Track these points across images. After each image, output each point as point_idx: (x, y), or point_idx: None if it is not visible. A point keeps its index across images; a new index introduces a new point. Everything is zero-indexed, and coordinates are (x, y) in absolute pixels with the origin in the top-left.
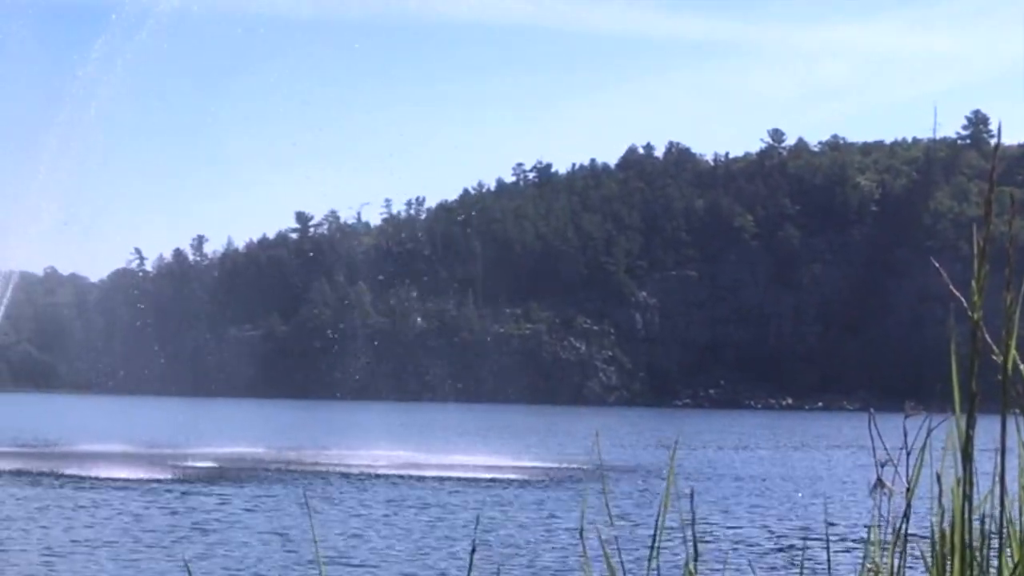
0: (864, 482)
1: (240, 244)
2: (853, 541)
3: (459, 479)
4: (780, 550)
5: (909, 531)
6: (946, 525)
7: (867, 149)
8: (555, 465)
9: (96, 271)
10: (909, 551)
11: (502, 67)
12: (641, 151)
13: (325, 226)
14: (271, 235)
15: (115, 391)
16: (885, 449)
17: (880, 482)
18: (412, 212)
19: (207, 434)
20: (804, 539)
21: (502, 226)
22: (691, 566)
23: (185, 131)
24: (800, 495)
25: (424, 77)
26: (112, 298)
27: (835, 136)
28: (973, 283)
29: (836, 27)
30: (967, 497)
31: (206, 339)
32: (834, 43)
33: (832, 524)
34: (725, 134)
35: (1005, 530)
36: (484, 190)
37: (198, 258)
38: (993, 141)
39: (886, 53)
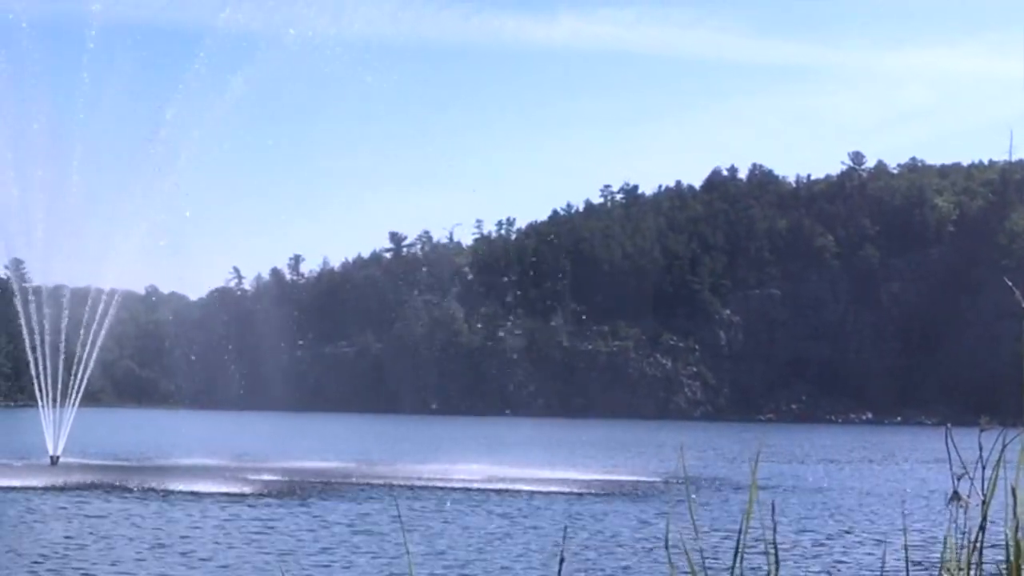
0: (941, 494)
1: (336, 263)
2: (930, 551)
3: (547, 492)
4: (859, 560)
5: (984, 541)
6: (1020, 536)
7: (945, 171)
8: (642, 478)
9: (196, 290)
10: (984, 561)
11: (591, 91)
12: (725, 173)
13: (418, 246)
14: (366, 254)
15: (213, 406)
16: (961, 462)
17: (956, 494)
18: (503, 232)
19: (302, 448)
20: (883, 547)
21: (590, 246)
22: (772, 575)
23: (282, 153)
24: (879, 506)
25: (516, 100)
26: (211, 316)
27: (913, 159)
28: None
29: (916, 52)
30: None
31: (302, 356)
32: (914, 68)
33: (910, 535)
34: (807, 156)
35: None
36: (573, 211)
37: (295, 277)
38: None
39: (963, 77)
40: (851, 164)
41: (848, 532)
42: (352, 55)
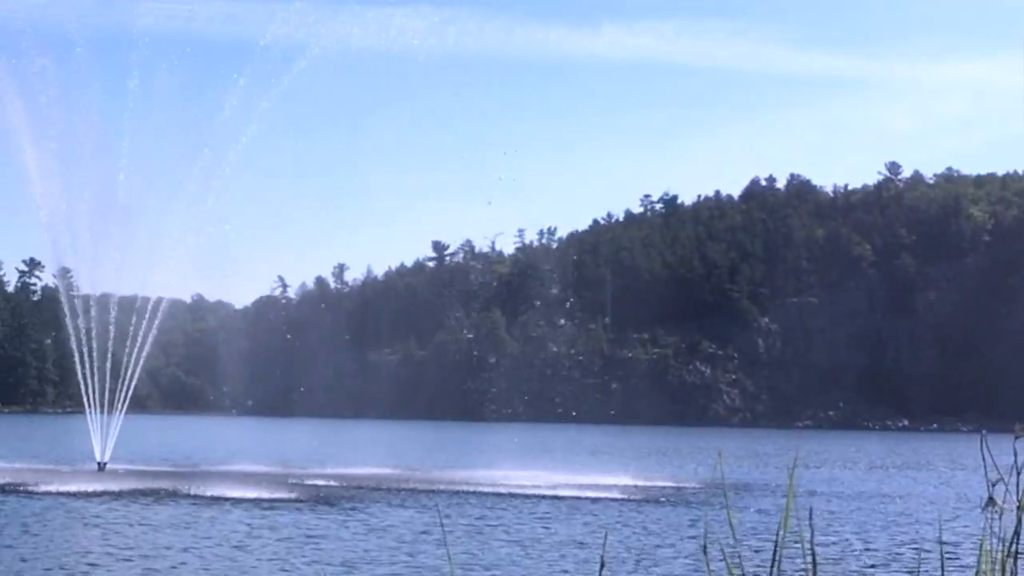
0: (977, 500)
1: (379, 272)
2: (966, 556)
3: (589, 498)
4: (896, 564)
5: (1020, 547)
6: None
7: (980, 181)
8: (681, 484)
9: (241, 298)
10: (1019, 566)
11: (632, 102)
12: (764, 183)
13: (460, 255)
14: (409, 263)
15: (259, 413)
16: (996, 468)
17: (992, 500)
18: (544, 242)
19: (348, 454)
20: (918, 553)
21: (630, 255)
22: None
23: (327, 164)
24: (915, 512)
25: (557, 112)
26: (256, 324)
27: (949, 169)
28: None
29: (953, 64)
30: None
31: (346, 363)
32: (950, 79)
33: (945, 540)
34: (844, 166)
35: None
36: (613, 220)
37: (339, 286)
38: None
39: (999, 89)
40: (888, 174)
41: (885, 536)
42: (396, 68)
